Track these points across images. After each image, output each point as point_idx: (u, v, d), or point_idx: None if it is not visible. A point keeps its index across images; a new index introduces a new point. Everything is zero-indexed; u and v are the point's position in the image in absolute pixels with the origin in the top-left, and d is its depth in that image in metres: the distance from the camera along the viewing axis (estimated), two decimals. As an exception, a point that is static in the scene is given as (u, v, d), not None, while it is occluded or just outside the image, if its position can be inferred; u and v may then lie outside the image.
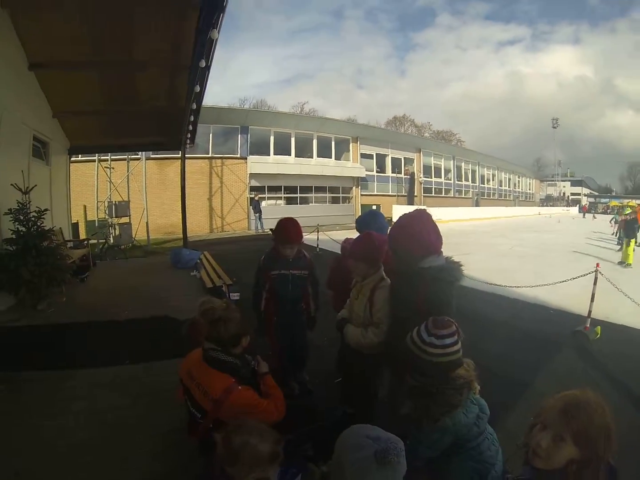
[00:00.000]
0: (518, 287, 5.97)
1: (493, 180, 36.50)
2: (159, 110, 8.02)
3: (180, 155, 9.86)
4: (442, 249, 2.02)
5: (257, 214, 16.41)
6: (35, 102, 6.63)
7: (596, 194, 63.66)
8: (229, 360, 1.88)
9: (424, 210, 2.19)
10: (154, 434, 2.55)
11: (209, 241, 13.76)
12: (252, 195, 17.11)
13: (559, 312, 5.65)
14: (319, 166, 18.93)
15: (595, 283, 4.91)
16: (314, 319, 3.16)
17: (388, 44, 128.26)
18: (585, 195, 60.65)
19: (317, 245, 10.69)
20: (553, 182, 56.42)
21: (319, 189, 19.68)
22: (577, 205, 46.73)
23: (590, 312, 4.82)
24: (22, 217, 5.13)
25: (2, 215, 5.15)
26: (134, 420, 2.72)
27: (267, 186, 18.03)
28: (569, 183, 61.85)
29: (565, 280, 5.41)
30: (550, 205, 45.17)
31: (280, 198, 18.70)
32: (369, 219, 2.94)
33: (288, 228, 2.88)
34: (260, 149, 17.98)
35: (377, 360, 2.37)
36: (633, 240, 9.09)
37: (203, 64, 5.64)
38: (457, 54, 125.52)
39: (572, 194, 60.49)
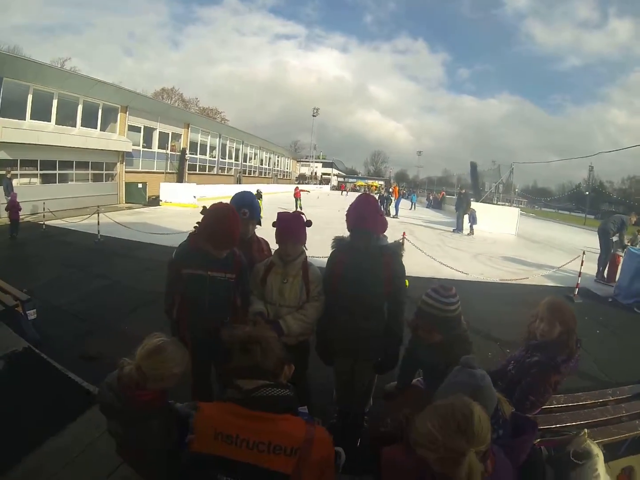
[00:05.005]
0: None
1: (255, 158, 43.08)
2: None
3: None
4: None
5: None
6: None
7: (344, 174, 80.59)
8: (287, 394, 1.45)
9: (369, 194, 2.64)
10: None
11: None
12: (4, 172, 13.81)
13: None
14: (82, 137, 18.32)
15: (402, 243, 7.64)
16: None
17: (168, 11, 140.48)
18: (335, 175, 75.94)
19: (99, 232, 9.88)
20: (307, 163, 69.17)
21: (81, 165, 18.77)
22: (329, 184, 59.60)
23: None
24: None
25: None
26: None
27: (20, 160, 15.78)
28: (321, 164, 75.78)
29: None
30: (306, 184, 55.03)
31: (35, 175, 16.73)
32: (253, 198, 2.92)
33: (228, 228, 2.29)
34: (14, 111, 15.50)
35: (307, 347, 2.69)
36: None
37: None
38: (235, 37, 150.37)
39: (324, 174, 74.54)
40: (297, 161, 67.55)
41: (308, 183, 56.49)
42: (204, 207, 2.40)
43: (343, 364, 2.75)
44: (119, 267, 7.72)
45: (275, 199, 27.13)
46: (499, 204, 23.59)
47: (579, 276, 7.77)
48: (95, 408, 2.56)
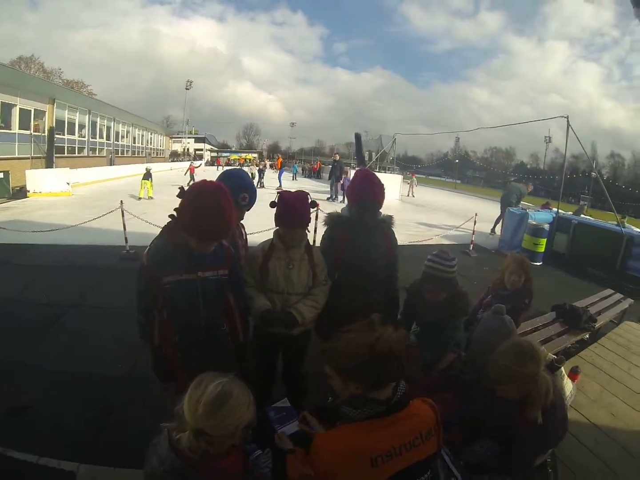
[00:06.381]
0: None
1: (127, 137, 39.76)
2: None
3: None
4: None
5: None
6: None
7: (216, 149, 77.96)
8: (405, 384, 1.42)
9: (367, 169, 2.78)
10: None
11: None
12: None
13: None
14: None
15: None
16: (245, 347, 2.24)
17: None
18: (208, 150, 73.31)
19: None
20: (179, 139, 65.82)
21: None
22: (202, 160, 57.52)
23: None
24: None
25: None
26: None
27: None
28: (193, 140, 72.63)
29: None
30: (180, 161, 52.06)
31: None
32: (251, 181, 2.76)
33: (221, 213, 1.80)
34: None
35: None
36: None
37: None
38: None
39: (196, 150, 71.50)
40: (170, 137, 63.74)
41: (182, 160, 53.92)
42: (182, 189, 1.89)
43: None
44: (1, 280, 5.95)
45: (157, 176, 25.14)
46: (381, 172, 25.93)
47: (473, 234, 9.25)
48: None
